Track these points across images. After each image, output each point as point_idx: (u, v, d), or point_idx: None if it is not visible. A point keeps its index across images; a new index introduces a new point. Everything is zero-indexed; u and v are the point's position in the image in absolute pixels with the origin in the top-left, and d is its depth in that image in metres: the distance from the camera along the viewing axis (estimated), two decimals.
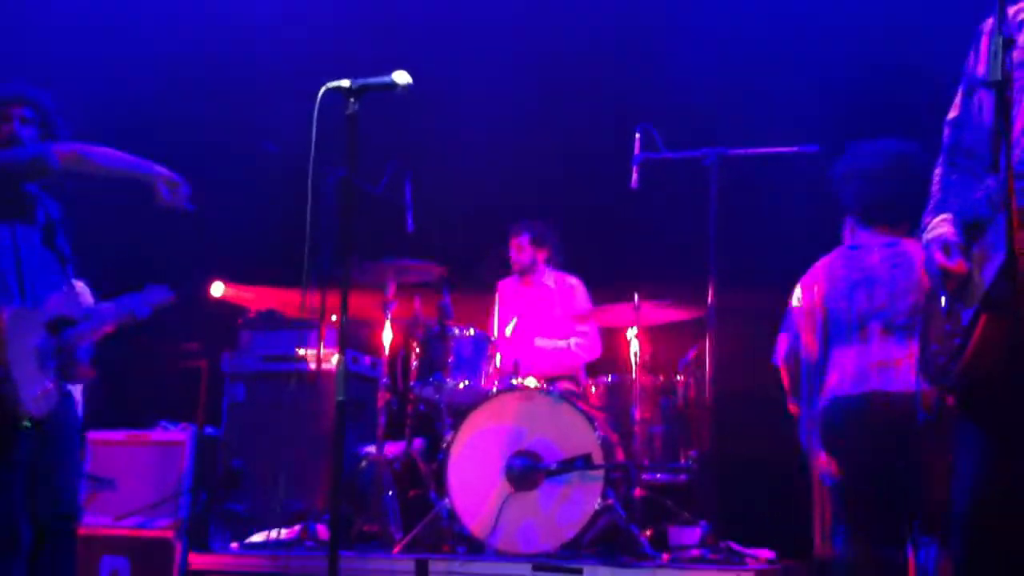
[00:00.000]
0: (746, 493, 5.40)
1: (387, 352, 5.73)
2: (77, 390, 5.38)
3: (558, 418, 5.06)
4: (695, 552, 4.76)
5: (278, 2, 7.28)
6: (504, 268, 6.56)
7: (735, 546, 4.81)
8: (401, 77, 3.65)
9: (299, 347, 6.27)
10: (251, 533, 5.50)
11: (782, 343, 4.38)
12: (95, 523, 5.63)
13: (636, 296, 5.38)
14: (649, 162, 5.24)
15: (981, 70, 2.90)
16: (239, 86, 7.16)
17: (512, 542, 4.89)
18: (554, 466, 4.95)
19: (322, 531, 5.20)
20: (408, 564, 4.75)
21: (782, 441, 4.62)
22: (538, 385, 5.44)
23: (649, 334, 5.55)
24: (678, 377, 5.56)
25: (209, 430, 6.22)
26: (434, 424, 5.68)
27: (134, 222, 5.58)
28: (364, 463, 5.55)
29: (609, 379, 5.65)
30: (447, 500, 5.07)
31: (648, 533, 5.03)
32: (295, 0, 7.28)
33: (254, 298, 6.95)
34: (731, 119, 6.05)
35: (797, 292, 4.28)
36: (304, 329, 6.15)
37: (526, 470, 4.97)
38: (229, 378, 6.44)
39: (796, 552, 4.90)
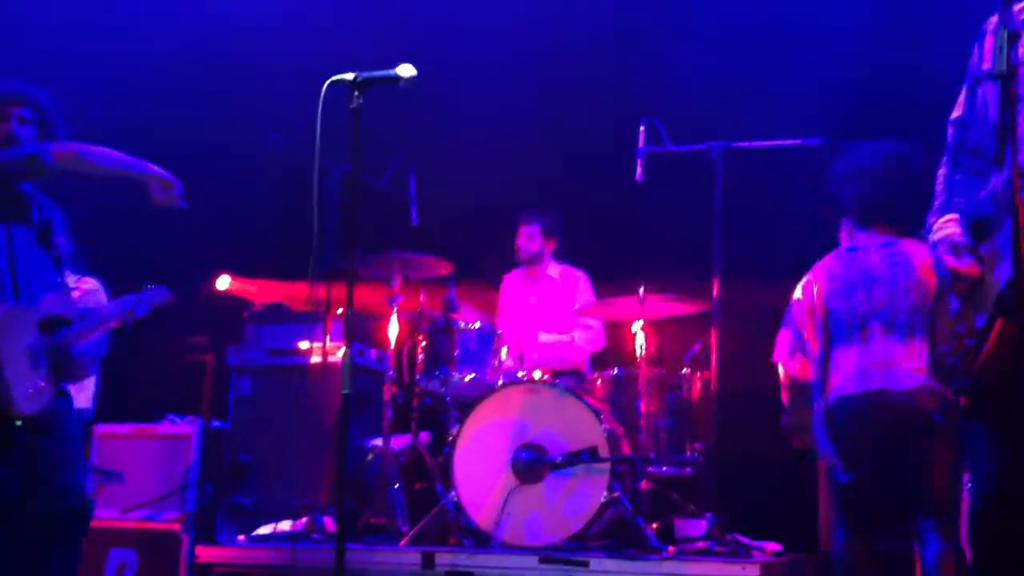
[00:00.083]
0: (752, 486, 5.41)
1: (393, 345, 5.73)
2: (90, 384, 5.41)
3: (563, 411, 5.07)
4: (701, 544, 4.76)
5: None
6: (503, 266, 6.56)
7: (741, 538, 4.81)
8: (405, 70, 3.65)
9: (305, 340, 6.28)
10: (258, 526, 5.52)
11: (782, 339, 4.38)
12: (102, 516, 5.64)
13: (641, 290, 5.37)
14: (653, 155, 5.23)
15: (986, 67, 2.90)
16: (243, 81, 7.17)
17: (518, 535, 4.90)
18: (559, 459, 4.96)
19: (329, 524, 5.21)
20: (414, 556, 4.76)
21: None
22: (543, 378, 5.45)
23: (654, 327, 5.55)
24: (683, 370, 5.56)
25: (215, 423, 6.24)
26: (440, 417, 5.69)
27: (139, 218, 5.58)
28: (370, 456, 5.56)
29: (615, 372, 5.66)
30: (453, 493, 5.08)
31: (654, 526, 5.04)
32: None
33: (259, 291, 6.96)
34: (735, 112, 6.04)
35: (798, 291, 4.29)
36: (310, 322, 6.16)
37: (532, 463, 4.98)
38: (235, 372, 6.45)
39: (802, 545, 4.91)
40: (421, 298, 5.80)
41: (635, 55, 6.79)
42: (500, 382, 5.37)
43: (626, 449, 5.23)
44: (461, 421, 5.20)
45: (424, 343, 5.57)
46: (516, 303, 6.47)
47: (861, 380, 3.96)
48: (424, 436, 5.76)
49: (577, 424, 5.01)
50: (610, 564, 4.50)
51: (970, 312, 2.76)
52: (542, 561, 4.59)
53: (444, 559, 4.71)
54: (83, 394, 5.36)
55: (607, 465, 4.90)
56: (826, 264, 4.20)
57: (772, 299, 4.68)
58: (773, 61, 6.27)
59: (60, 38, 7.04)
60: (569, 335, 6.22)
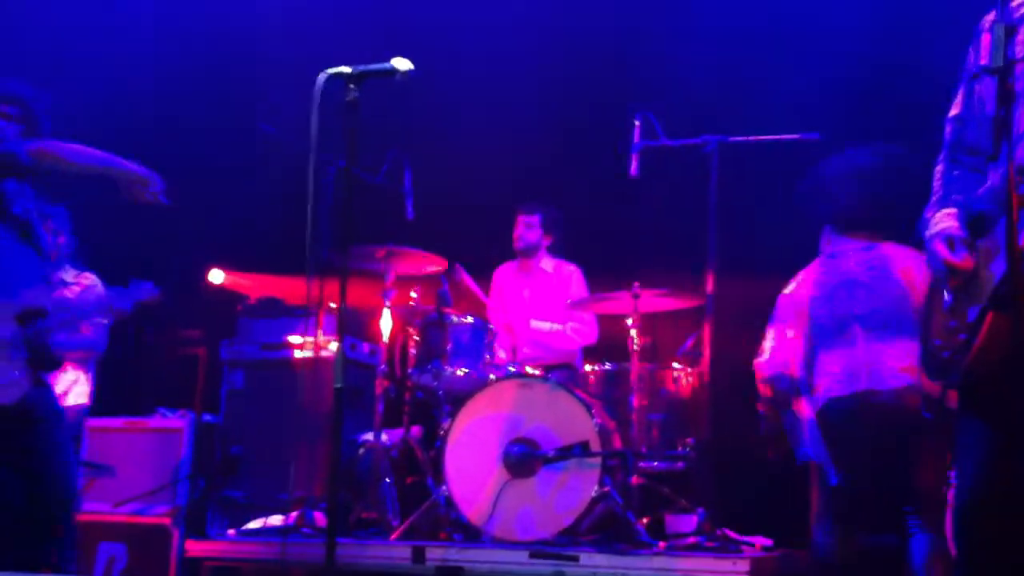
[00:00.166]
0: (743, 481, 5.41)
1: (385, 339, 5.73)
2: (87, 380, 5.40)
3: (556, 405, 5.06)
4: (691, 540, 4.77)
5: None
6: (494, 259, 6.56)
7: (731, 534, 4.82)
8: (401, 64, 3.64)
9: (298, 334, 6.28)
10: (249, 520, 5.51)
11: (778, 348, 4.40)
12: (93, 509, 5.64)
13: (635, 284, 5.38)
14: (649, 150, 5.23)
15: (982, 63, 2.91)
16: (239, 75, 7.15)
17: (509, 529, 4.89)
18: (551, 453, 4.95)
19: (320, 518, 5.20)
20: (405, 551, 4.76)
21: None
22: (536, 372, 5.45)
23: (648, 322, 5.55)
24: (676, 365, 5.57)
25: (207, 417, 6.22)
26: (432, 411, 5.68)
27: (133, 213, 5.57)
28: (362, 450, 5.55)
29: (607, 367, 5.65)
30: (444, 487, 5.08)
31: (645, 521, 5.04)
32: None
33: (253, 285, 6.96)
34: (731, 106, 6.04)
35: (786, 290, 4.32)
36: (303, 317, 6.15)
37: (523, 457, 4.98)
38: (227, 365, 6.44)
39: (793, 540, 4.92)
40: (414, 292, 5.80)
41: (631, 49, 6.78)
42: (492, 376, 5.36)
43: (618, 444, 5.23)
44: (453, 415, 5.20)
45: (416, 337, 5.57)
46: (509, 295, 6.47)
47: (848, 382, 4.00)
48: (416, 430, 5.76)
49: (569, 418, 5.01)
50: (600, 559, 4.50)
51: (964, 307, 2.77)
52: (533, 556, 4.59)
53: (435, 554, 4.71)
54: (81, 389, 5.35)
55: (599, 460, 4.90)
56: (810, 272, 4.25)
57: (766, 294, 4.69)
58: (769, 55, 6.27)
59: (58, 34, 7.04)
60: (562, 325, 6.21)
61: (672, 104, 5.58)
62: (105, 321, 5.36)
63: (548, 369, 5.77)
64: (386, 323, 5.70)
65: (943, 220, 2.86)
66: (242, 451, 6.09)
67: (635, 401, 5.35)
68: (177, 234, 6.80)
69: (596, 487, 4.87)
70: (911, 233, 3.82)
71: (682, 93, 6.14)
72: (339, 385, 3.47)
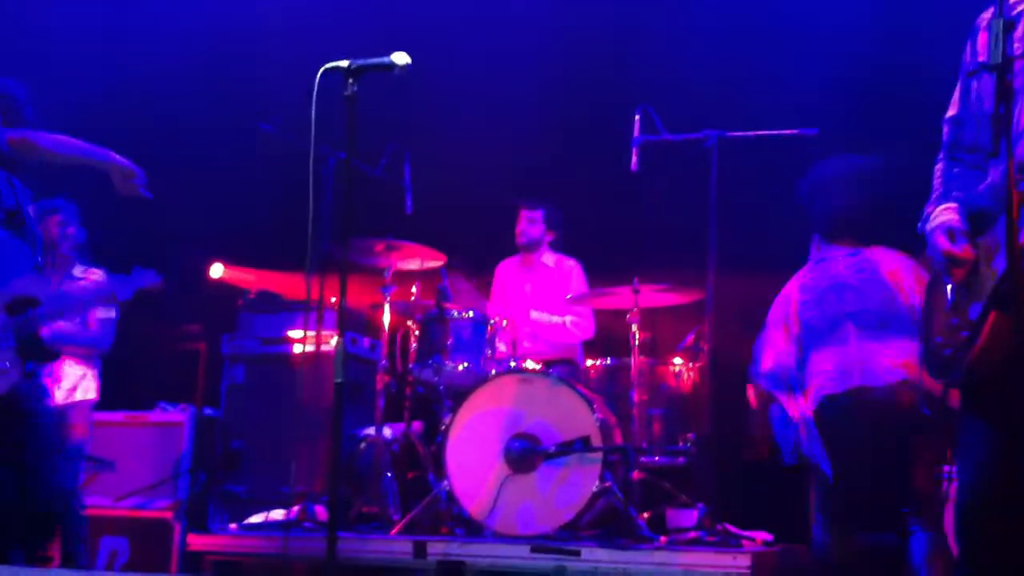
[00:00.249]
0: (744, 476, 5.41)
1: (386, 334, 5.73)
2: (94, 373, 5.40)
3: (557, 401, 5.06)
4: (692, 535, 4.77)
5: None
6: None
7: (732, 528, 4.82)
8: (400, 58, 3.64)
9: (298, 329, 6.28)
10: (250, 514, 5.51)
11: (758, 351, 4.41)
12: (94, 504, 5.65)
13: (635, 279, 5.38)
14: (649, 144, 5.22)
15: (980, 60, 2.91)
16: (238, 70, 7.14)
17: (510, 524, 4.90)
18: (552, 448, 4.95)
19: (321, 512, 5.20)
20: (406, 545, 4.76)
21: None
22: (537, 368, 5.45)
23: (648, 317, 5.55)
24: (677, 360, 5.57)
25: (208, 411, 6.24)
26: (433, 406, 5.69)
27: (132, 206, 5.58)
28: (363, 445, 5.56)
29: (608, 362, 5.66)
30: (445, 482, 5.08)
31: (646, 515, 5.05)
32: None
33: (254, 280, 6.96)
34: (731, 102, 6.03)
35: (776, 303, 4.36)
36: (303, 311, 6.16)
37: (524, 452, 4.98)
38: (228, 360, 6.45)
39: (793, 535, 4.91)
40: (414, 287, 5.80)
41: (631, 44, 6.77)
42: (493, 371, 5.36)
43: (619, 439, 5.23)
44: (454, 410, 5.20)
45: (417, 332, 5.57)
46: (510, 290, 6.47)
47: (842, 380, 4.01)
48: (417, 425, 5.76)
49: (570, 414, 5.01)
50: (601, 554, 4.50)
51: (965, 304, 2.77)
52: (534, 551, 4.58)
53: (436, 548, 4.71)
54: (89, 384, 5.35)
55: (599, 455, 4.90)
56: (798, 278, 4.28)
57: (767, 289, 4.68)
58: (769, 51, 6.26)
59: (56, 33, 7.04)
60: (561, 318, 6.21)
61: (672, 99, 5.57)
62: (112, 316, 5.35)
63: (549, 364, 5.77)
64: (387, 318, 5.71)
65: (943, 213, 2.86)
66: (243, 445, 6.10)
67: (636, 396, 5.35)
68: (178, 228, 6.80)
69: (597, 482, 4.87)
70: (897, 238, 3.88)
71: (682, 88, 6.13)
72: (340, 380, 3.47)
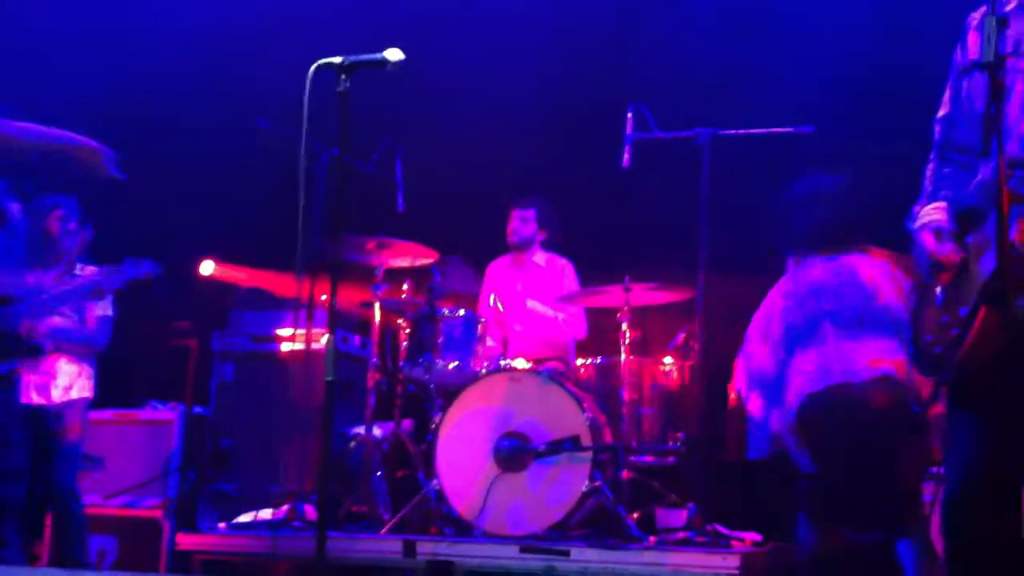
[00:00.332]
0: (733, 476, 5.41)
1: (377, 332, 5.72)
2: (90, 371, 5.37)
3: (547, 399, 5.06)
4: (682, 535, 4.77)
5: None
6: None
7: (721, 529, 4.82)
8: (393, 54, 3.63)
9: (289, 327, 6.27)
10: (239, 513, 5.50)
11: (741, 369, 4.45)
12: (83, 502, 5.62)
13: (626, 278, 5.38)
14: (641, 142, 5.22)
15: (971, 59, 2.92)
16: (231, 67, 7.13)
17: (500, 523, 4.89)
18: (542, 447, 4.95)
19: (310, 511, 5.19)
20: (396, 545, 4.75)
21: None
22: (527, 366, 5.44)
23: (639, 316, 5.55)
24: (667, 359, 5.57)
25: (198, 409, 6.22)
26: (423, 405, 5.68)
27: (123, 203, 5.56)
28: (353, 443, 5.54)
29: (598, 361, 5.65)
30: (435, 481, 5.07)
31: (635, 515, 5.04)
32: None
33: (245, 277, 6.94)
34: (726, 100, 6.03)
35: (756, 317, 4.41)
36: (294, 309, 6.14)
37: (514, 451, 4.98)
38: (218, 357, 6.44)
39: (783, 535, 4.92)
40: (406, 285, 5.79)
41: (624, 41, 6.77)
42: (484, 370, 5.36)
43: (608, 438, 5.23)
44: (444, 409, 5.19)
45: (408, 330, 5.56)
46: (502, 289, 6.46)
47: (822, 377, 4.04)
48: (407, 424, 5.75)
49: (560, 412, 5.01)
50: (591, 554, 4.49)
51: (955, 302, 2.77)
52: (523, 550, 4.58)
53: (426, 548, 4.70)
54: (84, 382, 5.32)
55: (589, 454, 4.90)
56: (780, 286, 4.34)
57: (758, 288, 4.68)
58: (765, 49, 6.26)
59: (55, 33, 7.01)
60: (556, 313, 6.20)
61: (666, 97, 5.57)
62: (110, 314, 5.33)
63: (539, 362, 5.76)
64: (377, 316, 5.70)
65: (931, 213, 2.87)
66: (232, 444, 6.09)
67: (626, 395, 5.35)
68: (169, 225, 6.77)
69: (587, 481, 4.87)
70: (884, 237, 3.92)
71: (676, 86, 6.13)
72: (330, 378, 3.46)
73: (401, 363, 5.55)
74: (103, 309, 5.31)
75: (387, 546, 4.80)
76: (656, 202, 6.27)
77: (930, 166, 3.09)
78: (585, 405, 5.07)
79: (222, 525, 5.50)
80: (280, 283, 6.56)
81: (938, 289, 2.86)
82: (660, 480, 5.31)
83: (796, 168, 4.50)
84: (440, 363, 5.41)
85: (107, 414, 6.05)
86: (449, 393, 5.31)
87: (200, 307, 6.66)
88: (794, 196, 4.38)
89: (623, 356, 5.39)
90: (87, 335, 5.29)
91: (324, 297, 5.53)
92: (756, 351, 4.31)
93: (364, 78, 3.64)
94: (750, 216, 5.80)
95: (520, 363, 5.49)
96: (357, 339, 6.48)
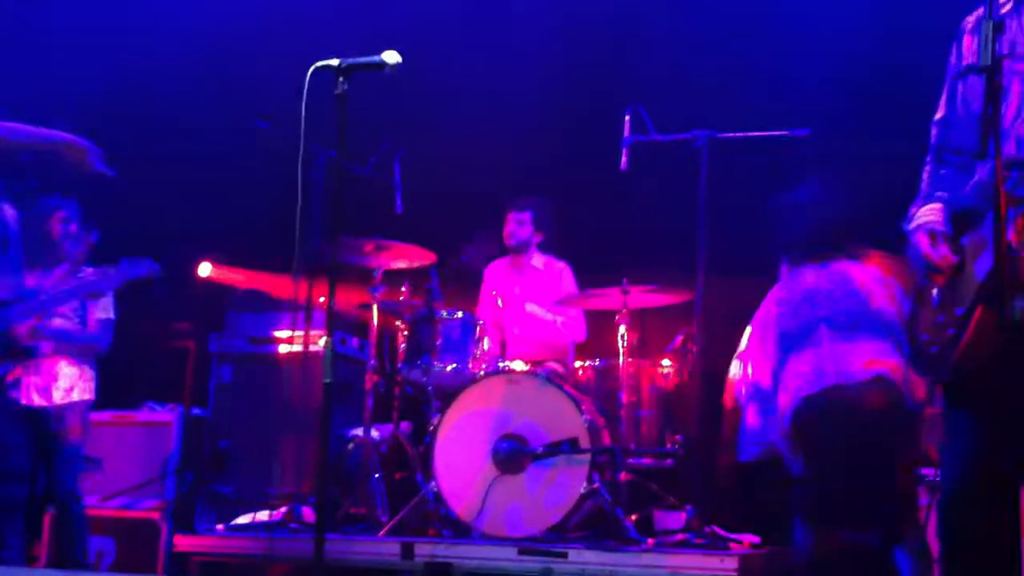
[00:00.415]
0: (731, 478, 5.41)
1: (375, 334, 5.72)
2: (91, 373, 5.37)
3: (545, 402, 5.06)
4: (680, 537, 4.76)
5: None
6: (488, 255, 6.54)
7: (719, 531, 4.82)
8: (390, 57, 3.64)
9: (287, 329, 6.27)
10: (237, 515, 5.50)
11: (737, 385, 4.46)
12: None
13: (624, 280, 5.38)
14: (639, 144, 5.22)
15: (967, 62, 2.93)
16: (236, 67, 7.13)
17: (498, 525, 4.89)
18: (540, 450, 4.95)
19: (308, 513, 5.19)
20: (394, 547, 4.75)
21: None
22: (525, 368, 5.44)
23: (637, 318, 5.55)
24: (665, 362, 5.57)
25: (196, 411, 6.22)
26: (421, 407, 5.68)
27: (121, 204, 5.56)
28: (351, 445, 5.54)
29: (596, 363, 5.65)
30: (433, 483, 5.07)
31: (634, 517, 5.04)
32: None
33: (242, 279, 6.94)
34: (726, 102, 6.03)
35: (747, 333, 4.43)
36: (291, 311, 6.15)
37: (512, 453, 4.97)
38: (216, 359, 6.43)
39: (781, 537, 4.92)
40: (404, 287, 5.79)
41: (623, 43, 6.77)
42: (482, 372, 5.36)
43: (607, 440, 5.22)
44: (442, 411, 5.19)
45: (406, 332, 5.56)
46: (500, 292, 6.46)
47: (817, 380, 4.06)
48: (405, 426, 5.75)
49: (558, 415, 5.00)
50: (589, 556, 4.49)
51: (951, 302, 2.78)
52: (521, 552, 4.58)
53: (424, 550, 4.70)
54: (86, 384, 5.32)
55: (587, 456, 4.89)
56: (774, 293, 4.37)
57: (756, 291, 4.68)
58: (761, 49, 6.27)
59: (55, 29, 7.01)
60: (554, 317, 6.20)
61: (664, 99, 5.57)
62: (111, 316, 5.33)
63: (538, 365, 5.76)
64: (375, 318, 5.69)
65: (927, 214, 2.88)
66: (230, 446, 6.09)
67: (624, 397, 5.35)
68: (167, 227, 6.77)
69: (585, 484, 4.86)
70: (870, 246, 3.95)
71: (675, 89, 6.13)
72: (328, 380, 3.46)
73: (399, 365, 5.55)
74: (105, 311, 5.31)
75: (385, 548, 4.79)
76: (654, 204, 6.27)
77: (927, 168, 3.11)
78: (583, 407, 5.07)
79: (220, 527, 5.50)
80: (278, 285, 6.56)
81: (934, 290, 2.87)
82: (658, 482, 5.31)
83: (794, 170, 4.51)
84: (438, 365, 5.41)
85: (105, 415, 6.04)
86: (447, 395, 5.31)
87: (198, 309, 6.66)
88: (783, 204, 4.42)
89: (621, 358, 5.39)
90: (88, 337, 5.28)
91: (322, 299, 5.53)
92: (752, 362, 4.33)
93: (362, 79, 3.64)
94: (748, 218, 5.81)
95: (518, 365, 5.49)
96: (355, 341, 6.48)
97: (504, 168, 6.76)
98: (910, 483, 4.07)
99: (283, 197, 3.99)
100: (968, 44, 2.95)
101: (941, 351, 2.80)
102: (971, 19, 2.97)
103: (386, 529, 5.03)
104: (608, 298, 5.55)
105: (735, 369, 4.51)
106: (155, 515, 5.80)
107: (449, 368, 5.41)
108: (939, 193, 2.94)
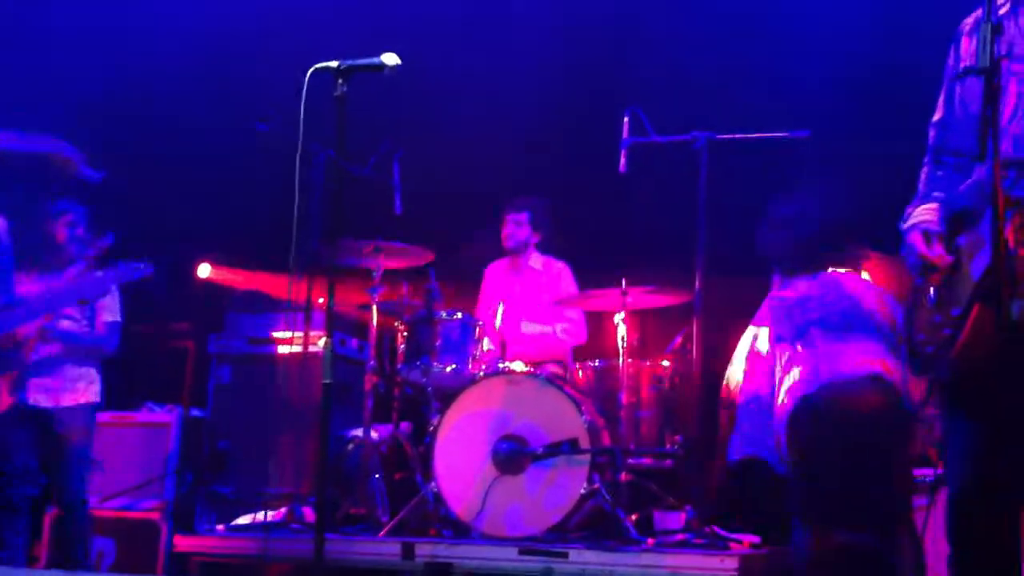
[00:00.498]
0: (731, 478, 5.41)
1: (374, 335, 5.71)
2: (97, 375, 5.37)
3: (544, 402, 5.06)
4: (680, 537, 4.77)
5: None
6: (489, 253, 6.54)
7: (719, 531, 4.82)
8: (389, 59, 3.65)
9: (286, 329, 6.26)
10: (237, 515, 5.50)
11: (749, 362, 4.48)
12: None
13: (624, 281, 5.37)
14: (637, 146, 5.22)
15: (965, 64, 2.94)
16: (236, 68, 7.13)
17: (498, 526, 4.89)
18: (540, 450, 4.95)
19: (308, 514, 5.19)
20: (394, 547, 4.75)
21: None
22: (525, 369, 5.44)
23: (636, 319, 5.55)
24: (665, 362, 5.57)
25: (195, 412, 6.22)
26: (421, 407, 5.67)
27: (120, 205, 5.56)
28: (351, 446, 5.54)
29: (596, 364, 5.65)
30: (433, 484, 5.07)
31: (634, 517, 5.03)
32: None
33: (241, 280, 6.94)
34: (725, 103, 6.04)
35: (749, 334, 4.44)
36: (291, 311, 6.14)
37: (512, 454, 4.97)
38: (215, 360, 6.43)
39: (781, 538, 4.92)
40: (403, 288, 5.79)
41: (622, 44, 6.78)
42: (481, 373, 5.36)
43: (606, 440, 5.23)
44: (442, 411, 5.19)
45: (405, 333, 5.56)
46: (498, 292, 6.46)
47: (813, 379, 4.06)
48: (405, 426, 5.75)
49: (558, 415, 5.00)
50: (589, 556, 4.49)
51: (948, 301, 2.79)
52: (522, 553, 4.57)
53: (424, 550, 4.70)
54: (93, 387, 5.32)
55: (587, 457, 4.90)
56: (765, 305, 4.40)
57: (755, 291, 4.69)
58: (760, 50, 6.27)
59: (55, 29, 7.01)
60: (552, 327, 6.20)
61: (663, 100, 5.57)
62: (118, 319, 5.33)
63: (537, 365, 5.76)
64: (374, 319, 5.69)
65: (922, 214, 2.90)
66: (230, 446, 6.09)
67: (624, 398, 5.35)
68: (166, 226, 6.78)
69: (585, 484, 4.87)
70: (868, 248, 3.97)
71: (674, 90, 6.13)
72: (328, 380, 3.47)
73: (399, 366, 5.55)
74: (112, 314, 5.31)
75: (385, 548, 4.79)
76: (654, 205, 6.28)
77: (924, 169, 3.12)
78: (583, 408, 5.07)
79: (220, 527, 5.50)
80: (277, 285, 6.56)
81: (930, 290, 2.88)
82: (658, 482, 5.31)
83: (794, 171, 4.51)
84: (438, 366, 5.40)
85: (104, 416, 6.02)
86: (447, 396, 5.31)
87: (197, 309, 6.67)
88: (771, 218, 4.45)
89: (621, 359, 5.39)
90: (96, 339, 5.28)
91: (321, 300, 5.53)
92: (748, 364, 4.34)
93: (362, 80, 3.65)
94: (748, 219, 5.81)
95: (518, 366, 5.49)
96: (355, 342, 6.48)
97: (503, 168, 6.76)
98: (906, 481, 4.08)
99: (282, 197, 3.99)
100: (966, 46, 2.96)
101: (937, 351, 2.81)
102: (969, 21, 2.98)
103: (386, 529, 5.03)
104: (607, 299, 5.55)
105: (733, 370, 4.53)
106: (155, 515, 5.81)
107: (448, 369, 5.41)
108: (936, 194, 2.95)
